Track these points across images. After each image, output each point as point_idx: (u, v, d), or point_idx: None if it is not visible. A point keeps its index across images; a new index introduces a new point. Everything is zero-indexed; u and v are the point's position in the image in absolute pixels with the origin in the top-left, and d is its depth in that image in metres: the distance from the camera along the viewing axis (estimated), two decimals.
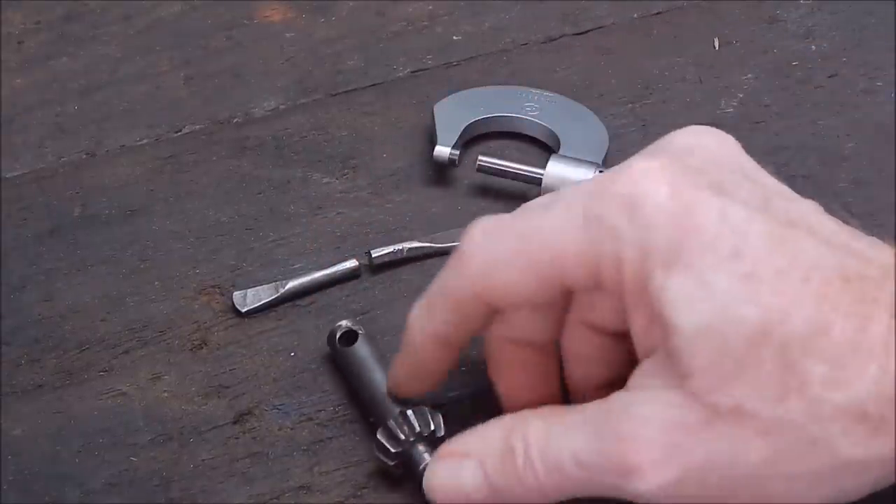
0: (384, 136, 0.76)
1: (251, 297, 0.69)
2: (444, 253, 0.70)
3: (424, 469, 0.59)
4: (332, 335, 0.66)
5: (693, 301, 0.52)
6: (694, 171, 0.54)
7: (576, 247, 0.54)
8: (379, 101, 0.78)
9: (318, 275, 0.69)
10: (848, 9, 0.81)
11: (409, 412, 0.61)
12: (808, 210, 0.55)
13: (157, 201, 0.73)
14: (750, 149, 0.58)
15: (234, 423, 0.64)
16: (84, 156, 0.76)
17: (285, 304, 0.69)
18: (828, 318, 0.51)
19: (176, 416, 0.65)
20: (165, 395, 0.66)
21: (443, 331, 0.59)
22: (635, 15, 0.81)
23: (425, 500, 0.60)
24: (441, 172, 0.74)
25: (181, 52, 0.81)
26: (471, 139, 0.75)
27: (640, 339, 0.55)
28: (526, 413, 0.57)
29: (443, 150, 0.73)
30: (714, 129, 0.58)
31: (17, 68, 0.80)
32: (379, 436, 0.61)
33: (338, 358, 0.65)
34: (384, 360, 0.64)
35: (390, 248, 0.70)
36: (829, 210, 0.55)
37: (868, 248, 0.53)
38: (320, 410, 0.65)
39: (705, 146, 0.57)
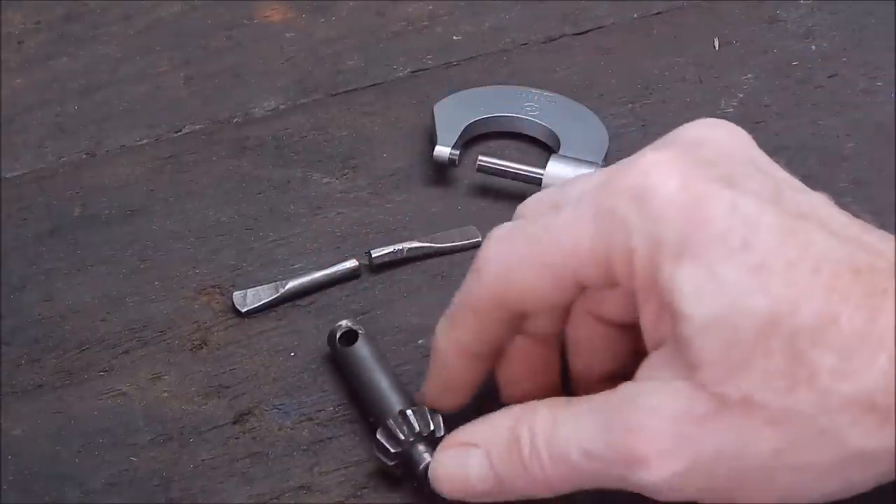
0: (384, 136, 0.76)
1: (251, 297, 0.69)
2: (444, 253, 0.70)
3: (425, 469, 0.60)
4: (332, 335, 0.66)
5: (703, 292, 0.52)
6: (705, 163, 0.54)
7: (588, 243, 0.55)
8: (379, 101, 0.78)
9: (318, 275, 0.69)
10: (848, 9, 0.81)
11: (409, 412, 0.61)
12: (819, 203, 0.55)
13: (157, 201, 0.73)
14: None
15: (234, 423, 0.64)
16: (84, 156, 0.76)
17: (285, 304, 0.69)
18: (837, 310, 0.51)
19: (176, 416, 0.65)
20: (165, 395, 0.66)
21: (467, 341, 0.59)
22: (635, 15, 0.81)
23: (425, 501, 0.60)
24: (441, 172, 0.74)
25: (181, 52, 0.81)
26: (471, 139, 0.75)
27: (649, 331, 0.55)
28: (534, 403, 0.57)
29: (443, 150, 0.73)
30: (725, 122, 0.58)
31: (17, 68, 0.80)
32: (379, 436, 0.61)
33: (338, 358, 0.65)
34: (384, 360, 0.64)
35: (390, 248, 0.70)
36: (839, 204, 0.55)
37: (879, 242, 0.53)
38: (320, 410, 0.65)
39: (716, 138, 0.57)
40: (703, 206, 0.53)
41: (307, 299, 0.69)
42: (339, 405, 0.65)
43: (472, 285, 0.58)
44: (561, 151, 0.73)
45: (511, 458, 0.56)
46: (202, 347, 0.67)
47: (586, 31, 0.81)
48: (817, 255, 0.52)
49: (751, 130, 0.58)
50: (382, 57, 0.80)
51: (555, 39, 0.81)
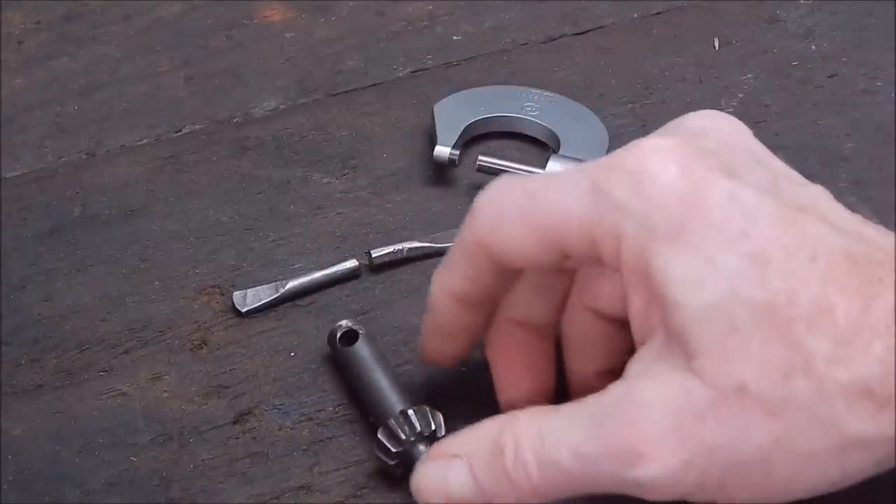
0: (384, 136, 0.76)
1: (251, 297, 0.69)
2: (445, 253, 0.70)
3: None
4: (332, 335, 0.66)
5: (699, 280, 0.51)
6: (705, 153, 0.54)
7: (579, 214, 0.54)
8: (379, 101, 0.78)
9: (318, 275, 0.69)
10: (848, 9, 0.81)
11: (410, 411, 0.61)
12: (818, 195, 0.55)
13: (157, 201, 0.73)
14: None
15: (234, 423, 0.64)
16: (84, 156, 0.76)
17: (285, 304, 0.69)
18: (833, 299, 0.51)
19: (176, 416, 0.65)
20: (165, 395, 0.66)
21: (457, 287, 0.59)
22: (635, 15, 0.81)
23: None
24: (441, 172, 0.74)
25: (181, 52, 0.81)
26: (471, 139, 0.75)
27: (637, 323, 0.54)
28: (519, 411, 0.56)
29: (443, 150, 0.73)
30: (726, 114, 0.58)
31: (17, 68, 0.80)
32: (380, 435, 0.61)
33: (338, 358, 0.65)
34: (384, 360, 0.64)
35: (390, 248, 0.70)
36: (838, 198, 0.55)
37: (876, 234, 0.53)
38: (320, 410, 0.65)
39: (718, 129, 0.57)
40: (701, 195, 0.52)
41: (307, 299, 0.69)
42: (339, 405, 0.65)
43: (465, 230, 0.58)
44: (561, 151, 0.73)
45: (494, 469, 0.55)
46: (202, 347, 0.67)
47: (586, 31, 0.81)
48: (814, 244, 0.52)
49: (751, 130, 0.58)
50: (382, 57, 0.80)
51: (555, 39, 0.81)
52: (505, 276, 0.59)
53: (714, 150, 0.54)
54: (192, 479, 0.63)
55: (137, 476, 0.63)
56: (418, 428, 0.60)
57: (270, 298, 0.68)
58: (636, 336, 0.55)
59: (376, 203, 0.73)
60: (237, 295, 0.69)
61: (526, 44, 0.80)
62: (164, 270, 0.70)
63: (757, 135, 0.57)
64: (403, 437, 0.60)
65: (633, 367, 0.54)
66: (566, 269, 0.58)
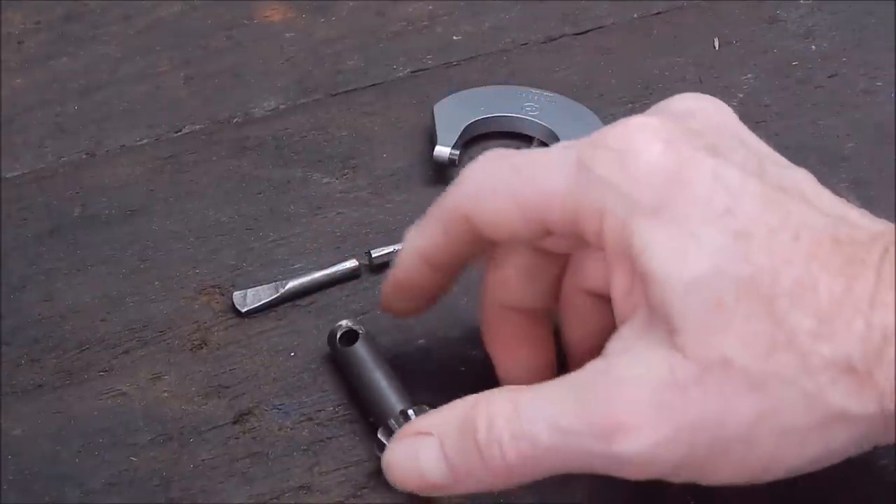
0: (384, 136, 0.76)
1: (251, 297, 0.69)
2: None
3: None
4: (332, 335, 0.66)
5: (682, 255, 0.51)
6: (691, 132, 0.54)
7: (563, 190, 0.55)
8: (379, 101, 0.78)
9: (318, 275, 0.69)
10: (848, 9, 0.81)
11: (410, 411, 0.61)
12: (802, 178, 0.55)
13: (157, 201, 0.73)
14: None
15: (234, 423, 0.64)
16: (84, 156, 0.76)
17: (285, 304, 0.69)
18: (816, 277, 0.51)
19: (176, 416, 0.65)
20: (165, 395, 0.66)
21: (430, 248, 0.59)
22: (635, 15, 0.81)
23: (424, 501, 0.60)
24: (441, 172, 0.74)
25: (181, 52, 0.81)
26: (471, 139, 0.75)
27: (619, 301, 0.54)
28: (493, 390, 0.55)
29: (443, 150, 0.73)
30: (712, 97, 0.58)
31: (17, 68, 0.80)
32: (379, 435, 0.61)
33: (338, 358, 0.65)
34: (384, 360, 0.64)
35: (390, 248, 0.70)
36: (825, 184, 0.55)
37: (859, 216, 0.53)
38: (320, 410, 0.65)
39: (704, 110, 0.57)
40: (685, 172, 0.53)
41: (307, 299, 0.69)
42: (339, 405, 0.65)
43: (448, 198, 0.59)
44: None
45: (465, 445, 0.54)
46: (202, 347, 0.67)
47: (586, 31, 0.81)
48: (798, 224, 0.52)
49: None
50: (382, 57, 0.80)
51: (555, 39, 0.81)
52: (480, 245, 0.59)
53: (699, 131, 0.55)
54: (192, 479, 0.63)
55: (137, 476, 0.63)
56: None
57: (270, 298, 0.68)
58: (618, 315, 0.55)
59: (376, 203, 0.73)
60: (237, 295, 0.69)
61: (526, 44, 0.80)
62: (164, 270, 0.70)
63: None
64: None
65: (614, 344, 0.54)
66: (548, 248, 0.59)
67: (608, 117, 0.75)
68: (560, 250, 0.59)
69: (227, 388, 0.66)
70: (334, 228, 0.72)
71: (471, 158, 0.73)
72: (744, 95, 0.77)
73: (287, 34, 0.81)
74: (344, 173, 0.74)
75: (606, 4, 0.82)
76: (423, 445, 0.56)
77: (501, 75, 0.78)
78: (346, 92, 0.78)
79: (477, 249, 0.59)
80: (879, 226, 0.53)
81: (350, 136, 0.76)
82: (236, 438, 0.64)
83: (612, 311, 0.58)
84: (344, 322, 0.66)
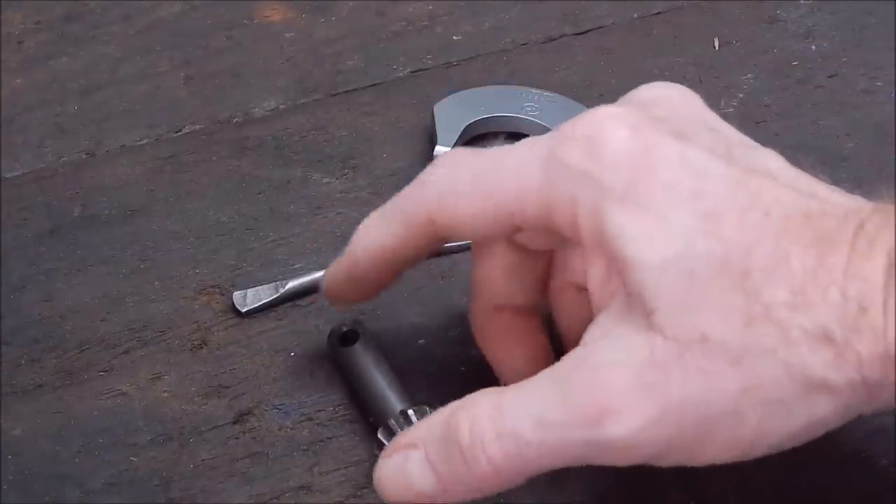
0: (384, 136, 0.76)
1: (251, 297, 0.69)
2: (445, 253, 0.70)
3: None
4: (332, 335, 0.66)
5: (654, 237, 0.52)
6: (656, 119, 0.55)
7: (532, 184, 0.55)
8: (379, 101, 0.78)
9: (318, 275, 0.69)
10: (848, 9, 0.81)
11: (410, 411, 0.61)
12: (769, 157, 0.55)
13: (157, 201, 0.73)
14: None
15: (234, 423, 0.64)
16: (84, 156, 0.76)
17: (285, 304, 0.69)
18: (788, 250, 0.51)
19: (176, 416, 0.65)
20: (165, 395, 0.66)
21: (387, 247, 0.59)
22: (635, 15, 0.81)
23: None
24: None
25: (181, 52, 0.81)
26: (471, 139, 0.75)
27: (597, 291, 0.55)
28: (474, 393, 0.55)
29: (443, 151, 0.73)
30: (679, 85, 0.59)
31: (17, 68, 0.80)
32: (380, 435, 0.61)
33: (338, 358, 0.65)
34: (384, 359, 0.64)
35: None
36: (797, 164, 0.55)
37: (829, 192, 0.54)
38: (320, 410, 0.65)
39: (668, 97, 0.58)
40: (652, 156, 0.53)
41: (307, 299, 0.69)
42: (339, 405, 0.65)
43: (412, 198, 0.58)
44: None
45: (449, 452, 0.54)
46: (202, 347, 0.67)
47: (586, 31, 0.81)
48: (767, 201, 0.52)
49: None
50: (382, 57, 0.80)
51: (555, 39, 0.81)
52: (440, 243, 0.59)
53: (664, 117, 0.55)
54: (192, 479, 0.63)
55: (137, 476, 0.63)
56: None
57: (270, 298, 0.68)
58: (596, 305, 0.55)
59: (376, 203, 0.72)
60: (237, 295, 0.69)
61: (526, 44, 0.80)
62: (164, 270, 0.70)
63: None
64: None
65: (592, 331, 0.54)
66: (526, 245, 0.59)
67: None
68: (537, 247, 0.59)
69: (227, 388, 0.66)
70: (334, 228, 0.72)
71: None
72: (744, 95, 0.77)
73: (287, 34, 0.81)
74: (344, 173, 0.74)
75: (606, 4, 0.82)
76: (410, 458, 0.55)
77: (501, 75, 0.78)
78: (346, 92, 0.78)
79: (435, 248, 0.60)
80: (851, 202, 0.53)
81: (350, 136, 0.76)
82: (236, 438, 0.64)
83: None
84: (344, 322, 0.66)
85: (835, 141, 0.74)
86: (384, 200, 0.73)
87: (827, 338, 0.50)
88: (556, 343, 0.62)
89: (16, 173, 0.75)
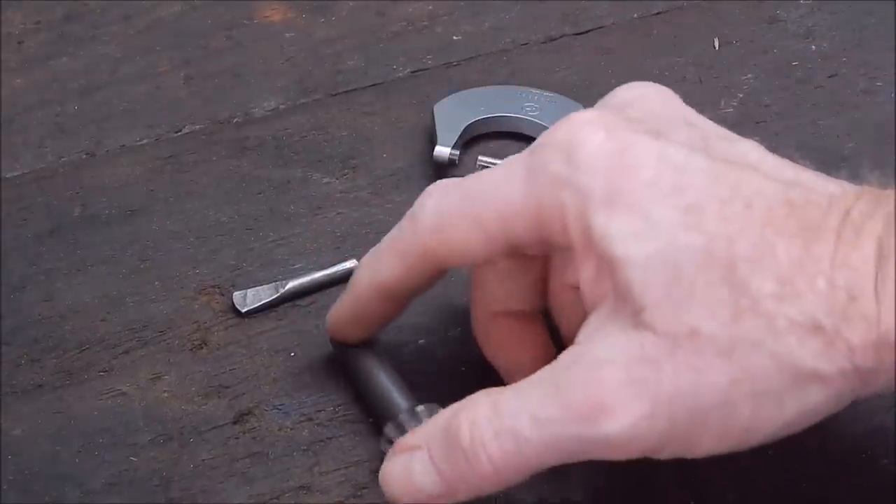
0: (384, 136, 0.76)
1: (251, 297, 0.69)
2: None
3: None
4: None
5: (639, 235, 0.52)
6: (632, 120, 0.55)
7: (519, 199, 0.55)
8: (379, 101, 0.78)
9: (318, 275, 0.69)
10: (848, 9, 0.81)
11: (419, 408, 0.61)
12: (750, 148, 0.55)
13: (157, 201, 0.73)
14: None
15: (234, 423, 0.64)
16: (84, 156, 0.76)
17: (285, 304, 0.69)
18: (773, 241, 0.51)
19: (176, 416, 0.65)
20: (165, 395, 0.66)
21: (388, 283, 0.60)
22: (635, 15, 0.81)
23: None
24: (441, 172, 0.74)
25: (181, 52, 0.81)
26: (471, 139, 0.75)
27: (588, 292, 0.55)
28: (473, 395, 0.56)
29: (443, 150, 0.73)
30: (655, 84, 0.59)
31: (17, 68, 0.80)
32: (387, 431, 0.61)
33: (338, 358, 0.65)
34: (385, 359, 0.64)
35: None
36: (783, 154, 0.55)
37: (813, 179, 0.54)
38: (320, 410, 0.65)
39: (644, 98, 0.58)
40: (630, 155, 0.53)
41: (307, 299, 0.69)
42: (339, 405, 0.65)
43: (406, 233, 0.59)
44: None
45: (450, 451, 0.55)
46: (202, 347, 0.67)
47: (586, 31, 0.81)
48: (749, 193, 0.52)
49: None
50: (382, 57, 0.80)
51: (555, 39, 0.81)
52: (441, 274, 0.60)
53: (640, 118, 0.56)
54: (192, 479, 0.63)
55: (137, 476, 0.63)
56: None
57: (270, 298, 0.68)
58: (588, 306, 0.55)
59: (376, 203, 0.73)
60: (237, 295, 0.69)
61: (526, 44, 0.80)
62: (164, 270, 0.70)
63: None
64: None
65: (585, 331, 0.54)
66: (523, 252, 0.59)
67: None
68: (534, 252, 0.59)
69: (227, 388, 0.66)
70: (334, 228, 0.72)
71: (471, 158, 0.74)
72: (744, 95, 0.77)
73: (287, 34, 0.81)
74: (344, 173, 0.74)
75: (606, 4, 0.82)
76: (414, 459, 0.56)
77: (501, 75, 0.78)
78: (346, 92, 0.78)
79: (436, 279, 0.60)
80: (835, 187, 0.53)
81: (350, 136, 0.76)
82: (236, 438, 0.64)
83: None
84: None
85: (835, 141, 0.74)
86: (384, 200, 0.73)
87: (816, 328, 0.50)
88: (559, 344, 0.62)
89: (16, 173, 0.75)
